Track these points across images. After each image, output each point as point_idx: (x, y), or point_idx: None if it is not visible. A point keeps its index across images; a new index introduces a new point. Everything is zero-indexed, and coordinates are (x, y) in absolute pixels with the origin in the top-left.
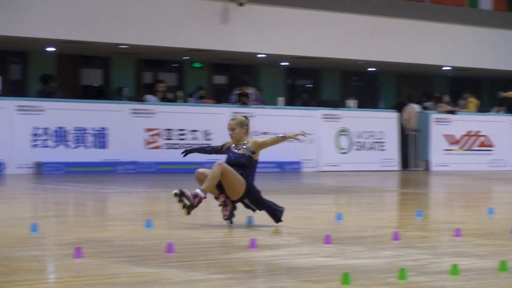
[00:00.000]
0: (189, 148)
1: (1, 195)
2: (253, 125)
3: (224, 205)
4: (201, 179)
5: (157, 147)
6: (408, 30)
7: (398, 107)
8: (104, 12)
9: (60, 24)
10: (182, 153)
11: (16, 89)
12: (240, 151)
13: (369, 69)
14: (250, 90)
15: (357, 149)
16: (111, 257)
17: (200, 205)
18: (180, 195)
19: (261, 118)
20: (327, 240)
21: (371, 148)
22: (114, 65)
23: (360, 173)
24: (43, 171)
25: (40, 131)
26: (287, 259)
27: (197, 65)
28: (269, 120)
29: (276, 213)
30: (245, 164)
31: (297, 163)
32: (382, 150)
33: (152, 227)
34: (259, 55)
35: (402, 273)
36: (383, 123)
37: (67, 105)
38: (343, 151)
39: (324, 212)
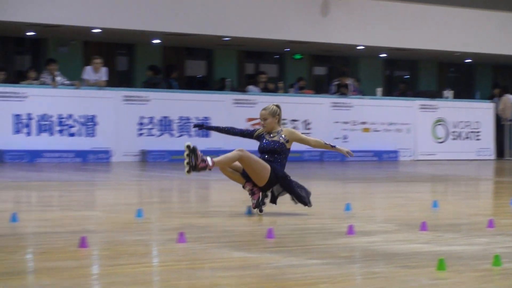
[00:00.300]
0: (205, 124)
1: (108, 182)
2: (352, 115)
3: (251, 193)
4: (224, 168)
5: None
6: (504, 22)
7: (496, 96)
8: (208, 5)
9: (166, 17)
10: (194, 126)
11: (122, 80)
12: (275, 138)
13: (466, 61)
14: (349, 81)
15: (453, 139)
16: (212, 242)
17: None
18: (192, 151)
19: (360, 108)
20: (423, 227)
21: (467, 138)
22: (217, 57)
23: (456, 162)
24: (148, 159)
25: (145, 121)
26: (383, 245)
27: (297, 56)
28: (367, 110)
29: (303, 199)
30: (277, 150)
31: (395, 152)
32: (478, 139)
33: (252, 213)
34: (358, 47)
35: (496, 260)
36: (479, 113)
37: (172, 96)
38: (440, 140)
39: (420, 200)
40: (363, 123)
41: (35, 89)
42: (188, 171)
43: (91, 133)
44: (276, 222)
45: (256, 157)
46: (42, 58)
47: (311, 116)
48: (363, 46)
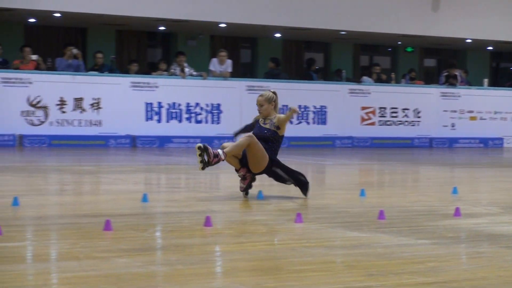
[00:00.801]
0: (237, 130)
1: (231, 166)
2: (460, 104)
3: (243, 178)
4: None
5: (371, 124)
6: None
7: None
8: (325, 1)
9: (286, 12)
10: (233, 134)
11: (246, 71)
12: (267, 126)
13: None
14: (457, 72)
15: None
16: (327, 222)
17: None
18: (204, 150)
19: (467, 98)
20: None
21: None
22: (333, 49)
23: None
24: None
25: None
26: (488, 227)
27: (409, 49)
28: (474, 100)
29: (305, 186)
30: (268, 138)
31: (500, 139)
32: None
33: (365, 196)
34: (466, 40)
35: None
36: None
37: (291, 86)
38: None
39: None
40: (470, 111)
41: (165, 79)
42: (203, 168)
43: (216, 120)
44: (386, 204)
45: (261, 146)
46: (172, 51)
47: (421, 105)
48: (471, 39)
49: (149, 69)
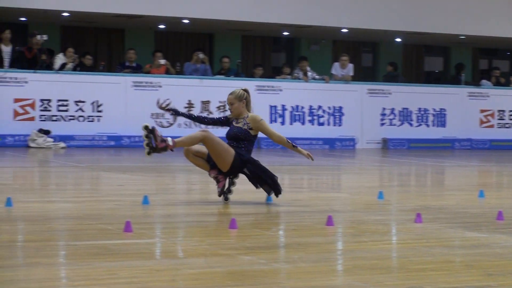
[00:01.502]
0: (178, 110)
1: (352, 166)
2: None
3: (216, 181)
4: (188, 153)
5: (490, 126)
6: None
7: None
8: (446, 6)
9: (408, 18)
10: (171, 112)
11: (366, 75)
12: (239, 125)
13: None
14: None
15: None
16: (447, 222)
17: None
18: (150, 131)
19: None
20: None
21: None
22: (453, 53)
23: None
24: (388, 146)
25: (387, 111)
26: None
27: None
28: None
29: (277, 186)
30: (240, 137)
31: None
32: None
33: (484, 197)
34: None
35: None
36: None
37: (411, 89)
38: None
39: None
40: None
41: (288, 83)
42: (149, 153)
43: (338, 123)
44: (505, 205)
45: (220, 140)
46: (295, 56)
47: None
48: None
49: (273, 73)
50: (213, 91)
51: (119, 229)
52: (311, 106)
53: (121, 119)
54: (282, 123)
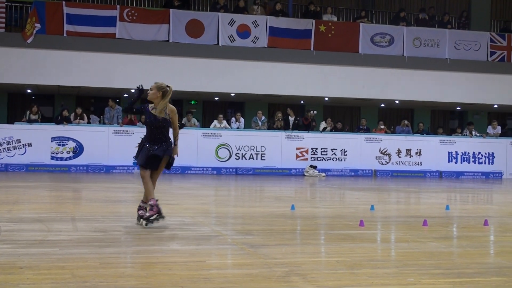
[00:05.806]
0: (143, 90)
1: (499, 190)
2: None
3: (151, 208)
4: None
5: None
6: None
7: None
8: None
9: None
10: (138, 86)
11: (509, 133)
12: (162, 115)
13: None
14: None
15: None
16: None
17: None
18: (149, 221)
19: None
20: None
21: None
22: None
23: None
24: None
25: None
26: None
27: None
28: None
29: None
30: (164, 126)
31: None
32: None
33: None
34: None
35: None
36: None
37: None
38: None
39: None
40: None
41: (460, 138)
42: (152, 222)
43: (491, 162)
44: None
45: (160, 165)
46: (464, 121)
47: None
48: None
49: (450, 132)
50: (414, 142)
51: (356, 224)
52: (474, 152)
53: None
54: (456, 162)
